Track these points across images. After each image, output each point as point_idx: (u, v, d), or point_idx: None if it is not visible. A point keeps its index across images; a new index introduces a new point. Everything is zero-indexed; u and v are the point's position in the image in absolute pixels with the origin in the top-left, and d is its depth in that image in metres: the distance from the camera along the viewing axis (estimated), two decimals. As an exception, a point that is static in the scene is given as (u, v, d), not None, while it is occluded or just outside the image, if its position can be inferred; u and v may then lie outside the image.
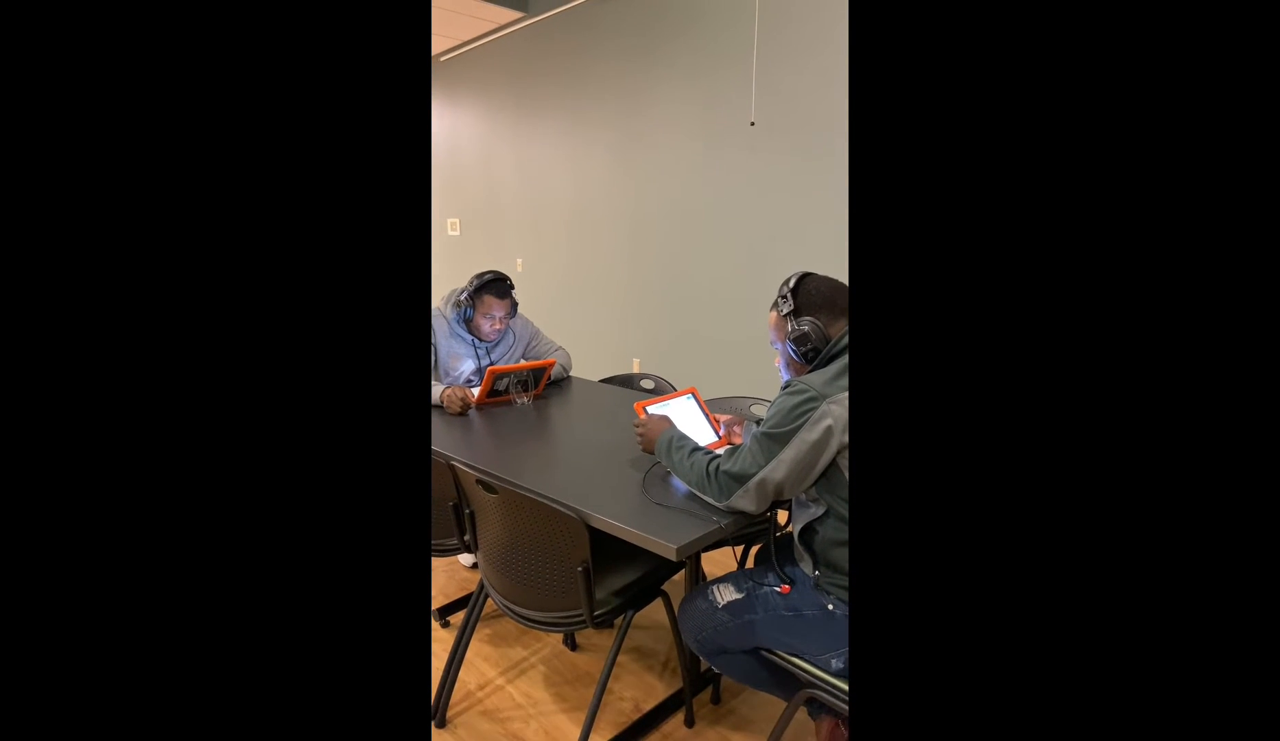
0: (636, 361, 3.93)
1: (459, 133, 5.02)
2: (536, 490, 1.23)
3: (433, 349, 2.01)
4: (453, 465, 1.38)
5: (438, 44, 4.77)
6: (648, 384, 2.22)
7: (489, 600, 1.46)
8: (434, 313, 2.04)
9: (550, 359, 2.09)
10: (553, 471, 1.37)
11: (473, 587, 2.04)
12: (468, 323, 2.03)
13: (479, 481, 1.26)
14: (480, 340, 2.07)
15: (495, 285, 2.01)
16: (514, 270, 4.67)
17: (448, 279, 5.41)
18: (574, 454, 1.49)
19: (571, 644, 1.78)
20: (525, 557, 1.26)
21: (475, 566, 2.18)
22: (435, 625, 1.85)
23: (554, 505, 1.16)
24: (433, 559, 1.63)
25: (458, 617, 1.90)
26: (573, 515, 1.14)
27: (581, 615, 1.23)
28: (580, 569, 1.17)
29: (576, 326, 4.22)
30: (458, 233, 5.23)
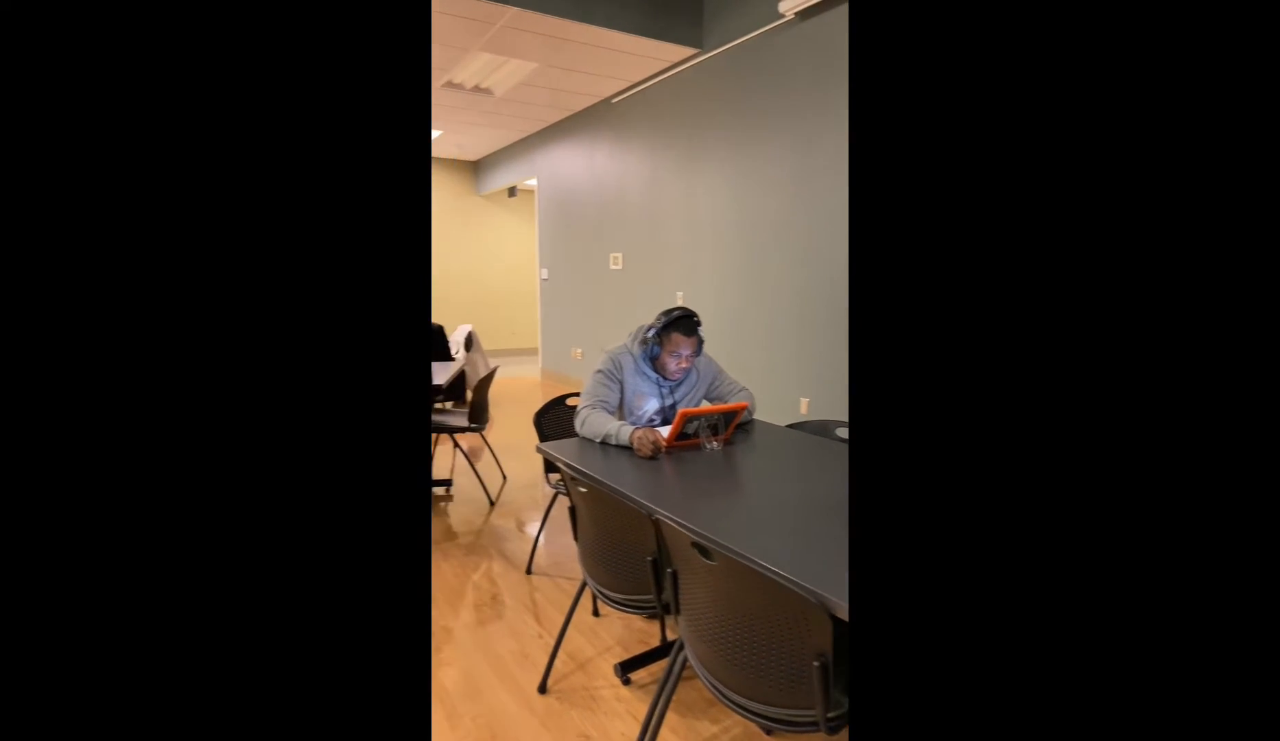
0: (805, 402, 3.68)
1: (626, 171, 5.14)
2: (763, 562, 1.07)
3: (619, 386, 1.95)
4: (657, 519, 1.27)
5: (607, 86, 4.95)
6: (843, 432, 2.00)
7: (687, 664, 1.32)
8: (621, 350, 2.00)
9: (740, 402, 1.95)
10: (769, 536, 1.21)
11: (653, 641, 1.93)
12: (653, 360, 1.96)
13: (694, 544, 1.13)
14: (665, 378, 1.99)
15: (683, 322, 1.92)
16: (675, 303, 4.64)
17: (610, 312, 5.53)
18: (789, 515, 1.32)
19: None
20: (745, 638, 1.10)
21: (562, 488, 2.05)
22: (616, 681, 1.75)
23: (790, 585, 1.00)
24: (615, 611, 1.57)
25: (640, 675, 1.78)
26: (813, 600, 0.98)
27: (813, 716, 1.05)
28: (817, 663, 1.00)
29: (739, 362, 4.07)
30: (620, 267, 5.34)
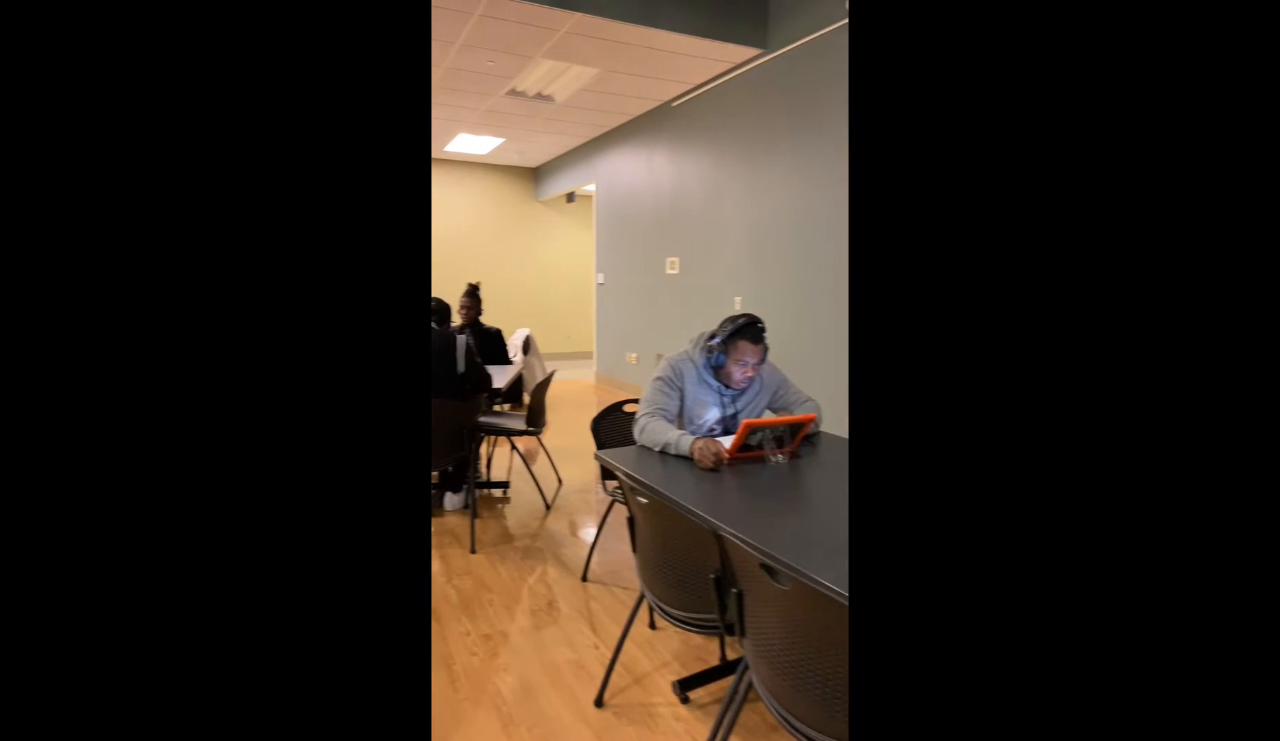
0: (870, 412, 3.53)
1: (685, 174, 5.10)
2: (838, 588, 1.01)
3: (679, 394, 1.91)
4: (720, 535, 1.22)
5: (668, 90, 4.92)
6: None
7: (751, 688, 1.26)
8: (682, 357, 1.95)
9: (807, 413, 1.87)
10: (844, 558, 1.14)
11: (713, 658, 1.87)
12: (717, 369, 1.90)
13: (763, 565, 1.07)
14: (728, 387, 1.93)
15: (750, 330, 1.86)
16: (732, 308, 4.55)
17: (666, 317, 5.49)
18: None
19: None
20: (816, 667, 1.04)
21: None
22: (674, 699, 1.70)
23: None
24: (677, 629, 1.52)
25: (699, 694, 1.73)
26: (896, 632, 0.90)
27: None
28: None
29: (802, 372, 3.95)
30: (676, 271, 5.30)
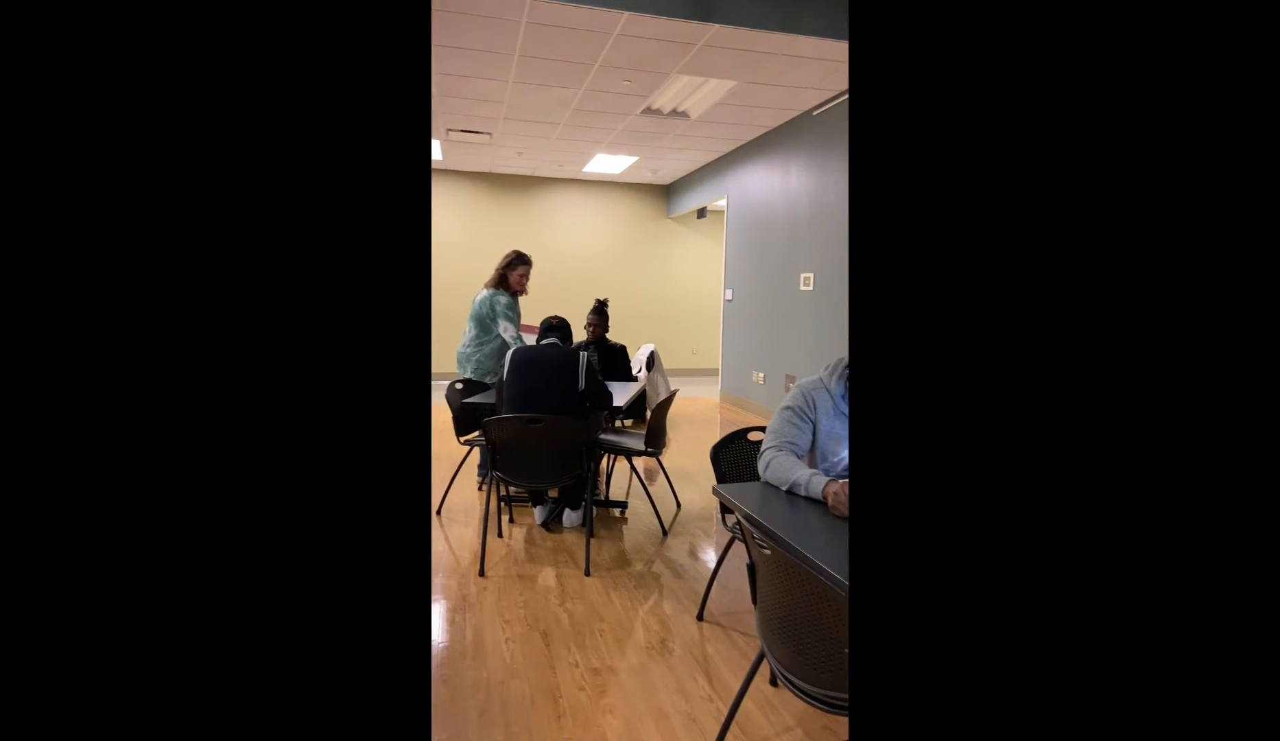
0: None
1: (824, 185, 4.82)
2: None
3: (811, 427, 1.71)
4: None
5: (807, 98, 4.68)
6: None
7: None
8: (815, 385, 1.75)
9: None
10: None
11: (842, 730, 1.64)
12: (856, 401, 1.68)
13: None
14: (869, 423, 1.70)
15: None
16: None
17: (798, 336, 5.21)
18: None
19: None
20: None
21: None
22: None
23: None
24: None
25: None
26: None
27: None
28: None
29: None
30: (810, 288, 5.01)
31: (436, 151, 6.46)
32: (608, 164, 6.95)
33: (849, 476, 1.62)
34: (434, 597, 2.34)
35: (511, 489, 3.25)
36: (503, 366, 2.84)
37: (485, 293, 3.53)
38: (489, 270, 7.58)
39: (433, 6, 3.23)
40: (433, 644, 2.03)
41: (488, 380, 3.51)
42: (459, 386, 3.37)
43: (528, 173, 7.56)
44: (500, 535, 2.95)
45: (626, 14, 3.27)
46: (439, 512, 3.20)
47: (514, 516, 3.18)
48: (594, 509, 2.72)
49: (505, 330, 3.48)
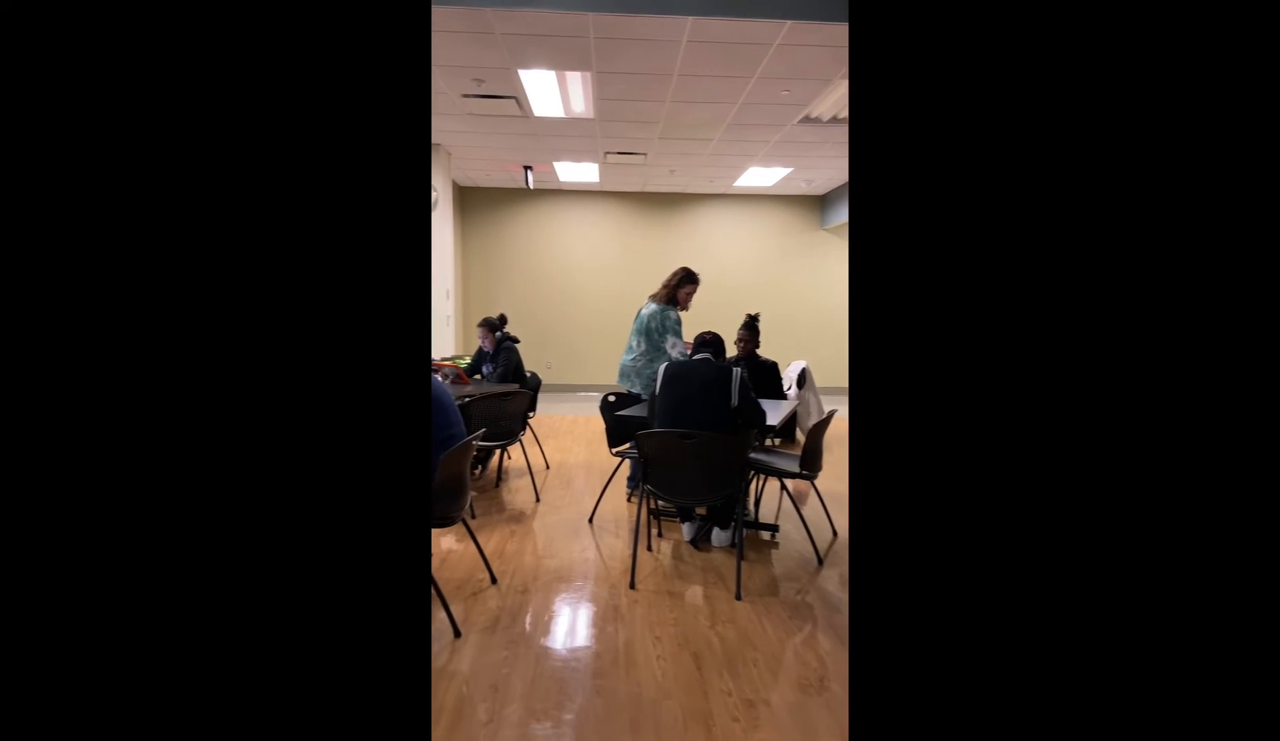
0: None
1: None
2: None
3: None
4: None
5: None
6: None
7: None
8: None
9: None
10: None
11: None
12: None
13: None
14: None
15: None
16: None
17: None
18: None
19: None
20: None
21: None
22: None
23: None
24: None
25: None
26: None
27: None
28: None
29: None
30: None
31: (593, 174, 6.78)
32: (760, 177, 6.84)
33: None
34: (585, 604, 2.39)
35: (660, 503, 3.26)
36: (654, 380, 2.86)
37: (654, 307, 3.60)
38: (641, 286, 7.76)
39: (590, 36, 3.39)
40: (585, 650, 2.07)
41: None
42: (611, 399, 3.47)
43: (678, 190, 7.68)
44: (649, 549, 2.96)
45: (790, 23, 3.19)
46: (591, 521, 3.30)
47: (662, 530, 3.18)
48: (744, 529, 2.64)
49: (674, 346, 3.53)
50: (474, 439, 2.38)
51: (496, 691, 1.84)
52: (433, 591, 2.36)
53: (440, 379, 3.54)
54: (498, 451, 3.97)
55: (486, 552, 2.81)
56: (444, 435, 2.30)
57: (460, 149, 5.91)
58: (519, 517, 3.35)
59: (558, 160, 6.22)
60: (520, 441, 3.78)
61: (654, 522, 3.21)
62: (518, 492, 3.80)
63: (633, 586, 2.55)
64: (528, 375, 4.28)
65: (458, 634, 2.15)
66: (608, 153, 5.86)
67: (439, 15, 3.17)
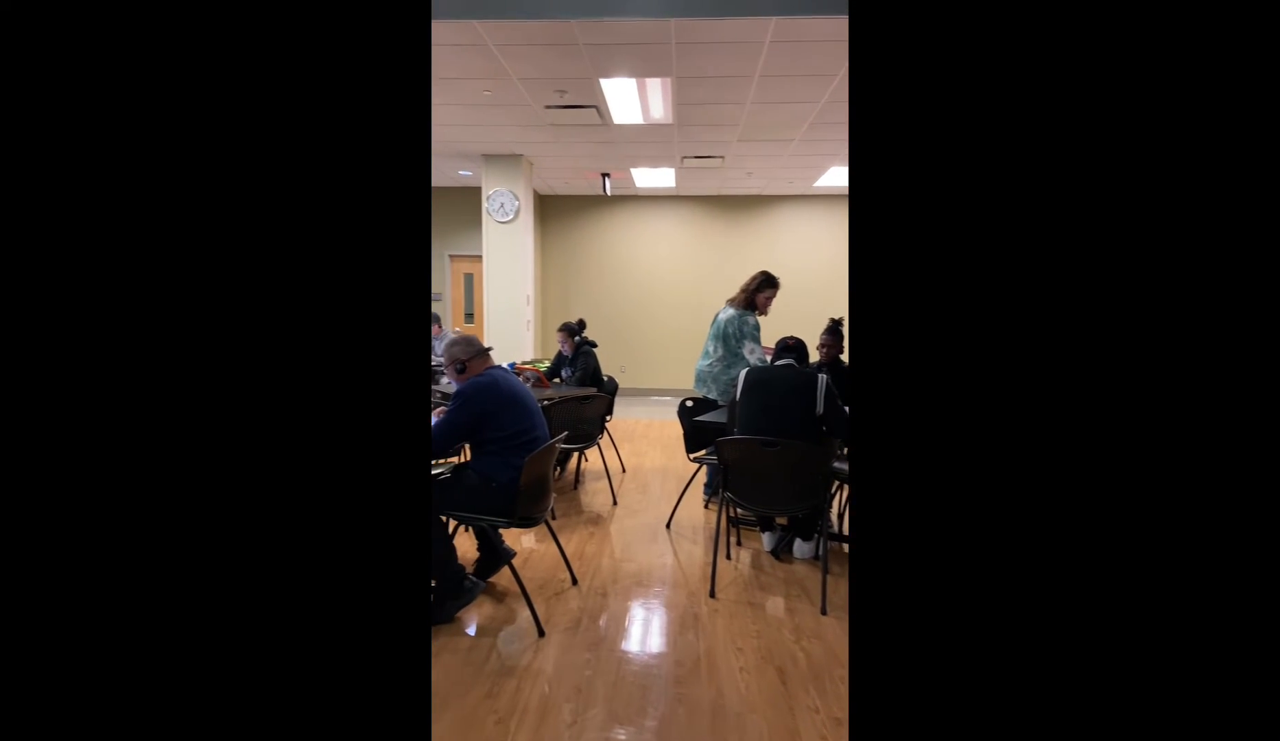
0: None
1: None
2: None
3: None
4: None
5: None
6: None
7: None
8: None
9: None
10: None
11: None
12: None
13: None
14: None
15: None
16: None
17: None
18: None
19: None
20: None
21: None
22: None
23: None
24: None
25: None
26: None
27: None
28: None
29: None
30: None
31: (670, 179, 6.79)
32: (843, 176, 6.63)
33: None
34: (664, 610, 2.38)
35: (739, 510, 3.21)
36: (735, 386, 2.82)
37: (731, 312, 3.55)
38: (717, 290, 7.69)
39: (672, 41, 3.39)
40: (665, 657, 2.06)
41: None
42: (689, 404, 3.45)
43: (756, 192, 7.57)
44: (728, 557, 2.92)
45: (878, 16, 3.07)
46: (668, 526, 3.29)
47: (741, 539, 3.13)
48: (828, 542, 2.55)
49: (751, 352, 3.46)
50: (557, 442, 2.43)
51: (580, 693, 1.86)
52: (519, 590, 2.42)
53: (522, 382, 3.64)
54: (575, 454, 4.03)
55: (567, 553, 2.86)
56: (528, 437, 2.35)
57: (541, 159, 6.07)
58: (597, 520, 3.39)
59: (635, 166, 6.28)
60: (598, 445, 3.83)
61: (733, 531, 3.17)
62: (595, 495, 3.84)
63: (713, 595, 2.52)
64: (605, 379, 4.33)
65: (541, 633, 2.19)
66: (685, 157, 5.86)
67: (524, 30, 3.27)
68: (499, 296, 6.19)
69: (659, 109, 4.52)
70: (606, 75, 3.89)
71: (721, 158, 5.86)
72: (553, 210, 7.89)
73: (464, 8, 3.01)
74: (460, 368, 2.38)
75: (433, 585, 2.28)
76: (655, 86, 4.09)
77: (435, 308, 7.65)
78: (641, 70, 3.81)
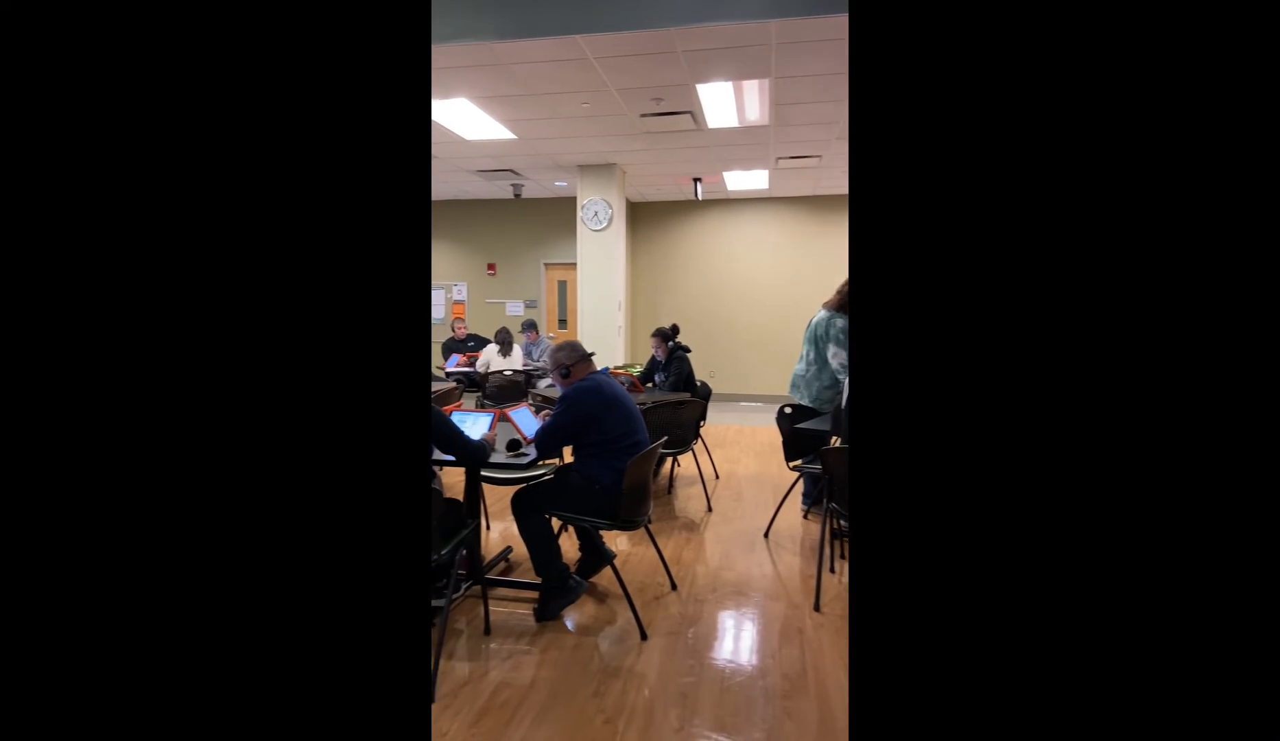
0: None
1: None
2: None
3: None
4: None
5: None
6: None
7: None
8: None
9: None
10: None
11: None
12: None
13: None
14: None
15: None
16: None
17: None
18: None
19: None
20: None
21: None
22: None
23: None
24: None
25: None
26: None
27: None
28: None
29: None
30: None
31: (763, 180, 6.69)
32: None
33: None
34: (766, 621, 2.33)
35: (844, 524, 3.09)
36: (839, 393, 2.72)
37: (823, 314, 3.44)
38: (811, 293, 7.48)
39: (772, 42, 3.34)
40: (771, 669, 2.01)
41: (824, 410, 3.40)
42: (788, 410, 3.36)
43: (853, 192, 7.30)
44: (832, 570, 2.82)
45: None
46: (766, 535, 3.23)
47: (845, 552, 3.01)
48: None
49: (835, 356, 3.33)
50: (658, 446, 2.44)
51: (685, 699, 1.85)
52: (620, 592, 2.45)
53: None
54: (669, 459, 4.04)
55: (664, 558, 2.87)
56: (630, 441, 2.38)
57: (634, 166, 6.16)
58: (692, 526, 3.38)
59: (728, 170, 6.24)
60: (692, 450, 3.82)
61: (836, 543, 3.06)
62: (689, 501, 3.83)
63: (817, 608, 2.44)
64: (698, 384, 4.32)
65: (644, 636, 2.21)
66: (779, 158, 5.75)
67: (625, 41, 3.33)
68: (591, 302, 6.33)
69: (755, 111, 4.46)
70: (703, 80, 3.89)
71: (819, 157, 5.71)
72: (643, 216, 7.98)
73: (566, 23, 3.11)
74: (565, 372, 2.44)
75: (539, 583, 2.35)
76: (752, 88, 4.04)
77: (530, 314, 7.94)
78: (739, 72, 3.78)
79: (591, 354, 2.54)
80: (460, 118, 4.62)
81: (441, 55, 3.51)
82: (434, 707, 1.80)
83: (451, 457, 2.15)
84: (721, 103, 4.28)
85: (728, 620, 2.34)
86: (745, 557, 2.94)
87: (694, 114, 4.51)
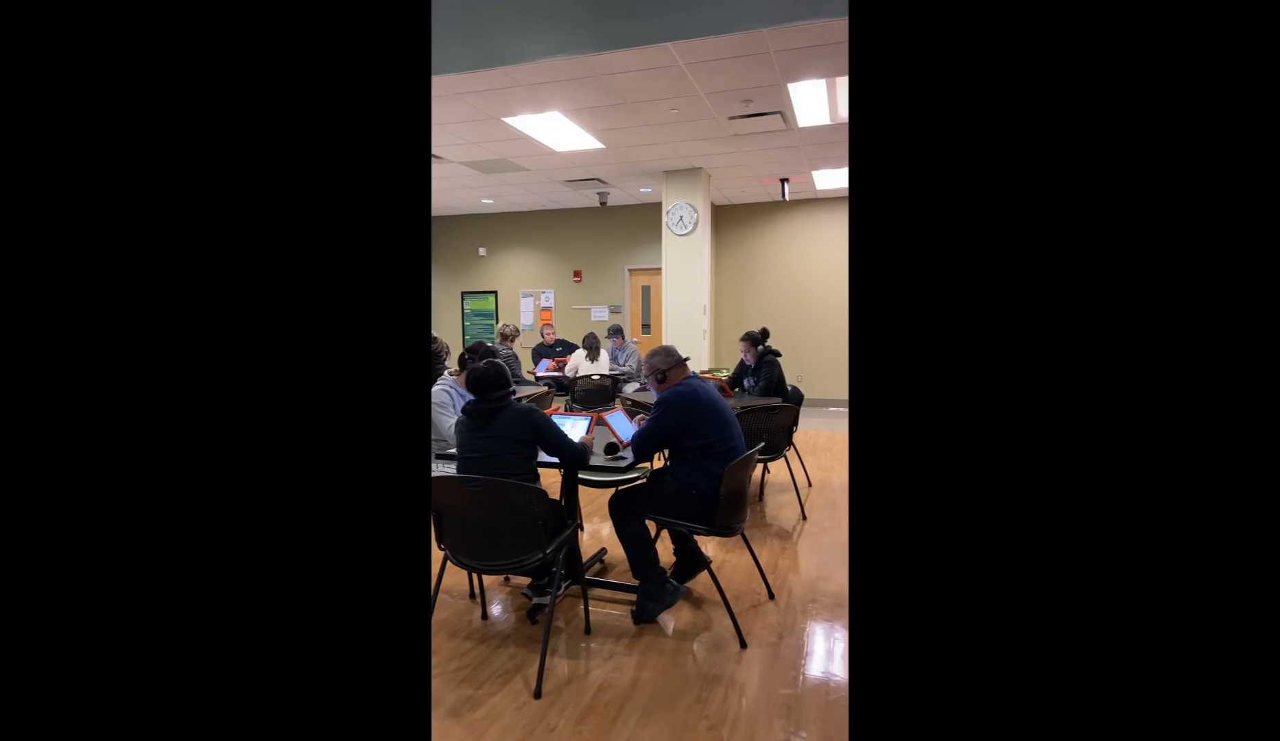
0: None
1: None
2: None
3: None
4: None
5: None
6: None
7: None
8: None
9: None
10: None
11: None
12: None
13: None
14: None
15: None
16: None
17: None
18: None
19: None
20: None
21: None
22: None
23: None
24: None
25: None
26: None
27: None
28: None
29: None
30: None
31: (839, 179, 6.47)
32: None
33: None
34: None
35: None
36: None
37: None
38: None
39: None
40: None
41: None
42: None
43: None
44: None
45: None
46: (865, 546, 3.11)
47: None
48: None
49: None
50: (754, 452, 2.41)
51: (790, 712, 1.81)
52: (718, 598, 2.44)
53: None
54: (760, 465, 3.98)
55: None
56: (726, 447, 2.36)
57: (720, 169, 6.13)
58: (786, 534, 3.30)
59: (817, 169, 6.08)
60: (784, 457, 3.74)
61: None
62: (781, 508, 3.75)
63: (925, 625, 2.32)
64: (789, 389, 4.23)
65: (743, 644, 2.18)
66: (872, 155, 5.54)
67: (716, 45, 3.32)
68: (676, 307, 6.35)
69: (848, 106, 4.33)
70: (795, 79, 3.82)
71: (914, 152, 5.45)
72: (727, 219, 7.92)
73: (661, 32, 3.14)
74: (661, 377, 2.46)
75: (636, 585, 2.38)
76: (845, 84, 3.93)
77: (615, 319, 8.05)
78: (832, 70, 3.68)
79: (687, 359, 2.54)
80: (551, 130, 4.77)
81: (535, 72, 3.64)
82: (541, 703, 1.86)
83: (555, 459, 2.22)
84: (813, 101, 4.18)
85: (829, 633, 2.27)
86: (843, 569, 2.84)
87: (784, 114, 4.43)
